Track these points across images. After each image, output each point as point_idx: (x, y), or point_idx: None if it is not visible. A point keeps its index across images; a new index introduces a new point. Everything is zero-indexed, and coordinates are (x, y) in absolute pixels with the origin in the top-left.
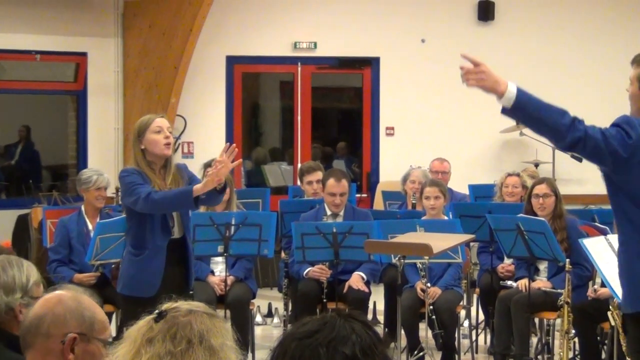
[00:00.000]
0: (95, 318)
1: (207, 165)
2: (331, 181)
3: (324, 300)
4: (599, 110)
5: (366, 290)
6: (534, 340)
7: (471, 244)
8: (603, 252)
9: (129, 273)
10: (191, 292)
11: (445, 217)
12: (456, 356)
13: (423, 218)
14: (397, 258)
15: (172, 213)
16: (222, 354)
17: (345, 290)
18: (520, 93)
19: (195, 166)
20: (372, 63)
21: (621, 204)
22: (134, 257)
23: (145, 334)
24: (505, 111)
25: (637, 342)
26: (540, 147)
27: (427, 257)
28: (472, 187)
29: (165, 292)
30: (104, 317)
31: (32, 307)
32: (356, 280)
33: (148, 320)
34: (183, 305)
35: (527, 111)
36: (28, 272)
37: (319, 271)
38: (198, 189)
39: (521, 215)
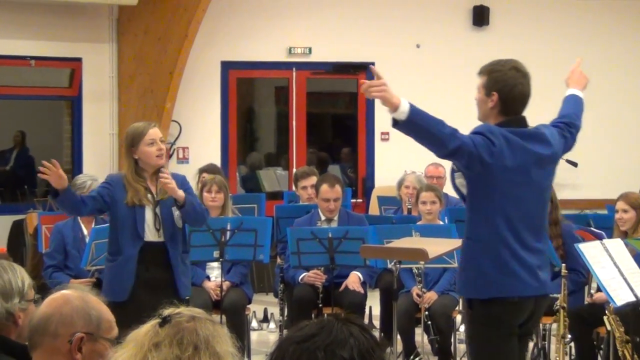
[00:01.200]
0: (102, 317)
1: (203, 170)
2: (325, 187)
3: (320, 305)
4: (594, 113)
5: (362, 291)
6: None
7: None
8: (599, 256)
9: (106, 279)
10: (187, 298)
11: (441, 222)
12: None
13: (419, 223)
14: (392, 263)
15: (156, 213)
16: None
17: (342, 289)
18: (413, 106)
19: (190, 171)
20: (367, 68)
21: (480, 203)
22: (109, 263)
23: (152, 338)
24: (396, 124)
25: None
26: None
27: (422, 262)
28: None
29: (152, 297)
30: (110, 316)
31: (39, 307)
32: (353, 280)
33: (153, 325)
34: (185, 310)
35: (417, 122)
36: (22, 275)
37: (314, 276)
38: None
39: None
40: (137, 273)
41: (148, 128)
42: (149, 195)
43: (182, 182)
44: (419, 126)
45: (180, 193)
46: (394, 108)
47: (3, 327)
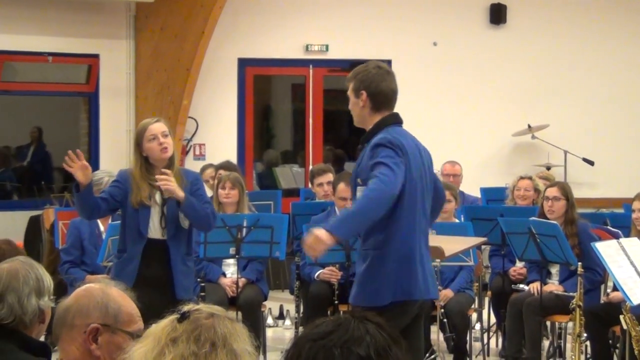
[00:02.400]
0: (121, 310)
1: (217, 167)
2: (342, 185)
3: (336, 303)
4: (611, 111)
5: None
6: (545, 343)
7: (483, 247)
8: (615, 255)
9: (111, 276)
10: (202, 295)
11: (457, 220)
12: (468, 359)
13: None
14: None
15: (164, 213)
16: (244, 359)
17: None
18: (340, 231)
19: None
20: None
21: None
22: (116, 260)
23: (169, 333)
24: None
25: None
26: (552, 150)
27: (438, 260)
28: (484, 190)
29: (147, 294)
30: (132, 309)
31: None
32: None
33: (171, 320)
34: (204, 307)
35: (357, 227)
36: (44, 272)
37: (329, 273)
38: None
39: (533, 218)
40: (139, 269)
41: (149, 124)
42: (157, 194)
43: (194, 180)
44: (363, 225)
45: (180, 193)
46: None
47: (31, 323)
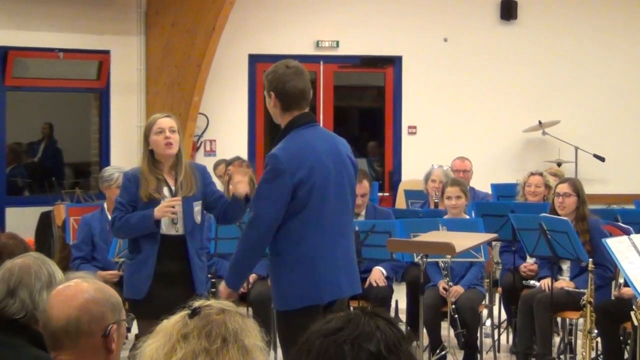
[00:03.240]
0: (118, 301)
1: (228, 163)
2: None
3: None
4: (622, 107)
5: (385, 284)
6: (556, 339)
7: (493, 243)
8: (626, 251)
9: (125, 276)
10: (213, 290)
11: (467, 216)
12: (478, 355)
13: (445, 217)
14: (419, 257)
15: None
16: (255, 355)
17: (366, 285)
18: (231, 283)
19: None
20: (394, 62)
21: (286, 222)
22: (129, 261)
23: (180, 329)
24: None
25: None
26: (563, 146)
27: (449, 256)
28: (495, 187)
29: (168, 291)
30: (119, 296)
31: (53, 307)
32: (377, 276)
33: (182, 316)
34: (214, 303)
35: (245, 273)
36: (56, 267)
37: None
38: (157, 214)
39: (544, 214)
40: (156, 268)
41: (158, 117)
42: (165, 189)
43: (203, 172)
44: (247, 270)
45: (244, 190)
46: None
47: (39, 318)
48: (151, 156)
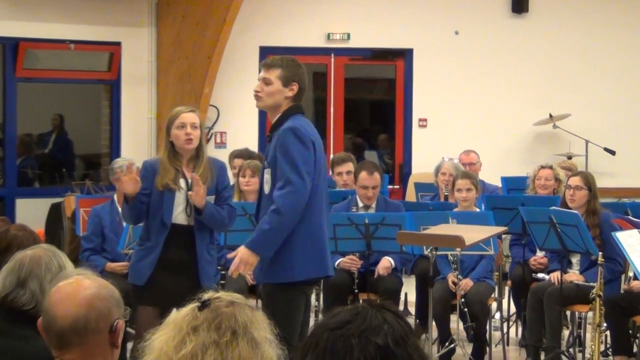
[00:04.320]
0: (120, 296)
1: (235, 155)
2: (363, 174)
3: (356, 291)
4: (633, 101)
5: (388, 272)
6: (565, 333)
7: (503, 236)
8: (636, 245)
9: (131, 262)
10: (222, 282)
11: (477, 209)
12: (487, 348)
13: (455, 210)
14: (429, 250)
15: (190, 202)
16: (264, 348)
17: (376, 275)
18: (263, 250)
19: (227, 156)
20: (405, 54)
21: None
22: (138, 247)
23: (190, 322)
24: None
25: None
26: (573, 139)
27: (459, 249)
28: (505, 180)
29: (172, 279)
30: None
31: (56, 306)
32: (384, 265)
33: (192, 309)
34: (224, 295)
35: (277, 243)
36: (66, 259)
37: (349, 262)
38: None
39: (554, 207)
40: (162, 254)
41: (182, 112)
42: (182, 180)
43: (220, 169)
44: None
45: (201, 203)
46: None
47: None
48: (172, 147)
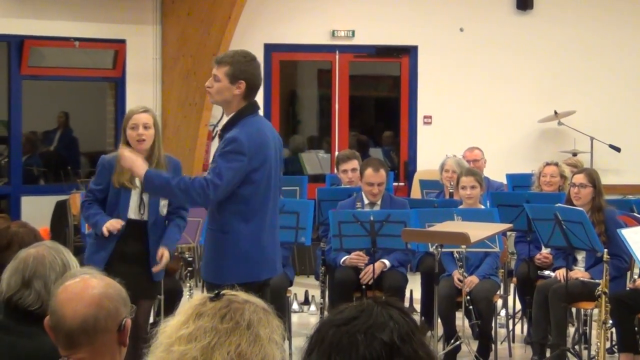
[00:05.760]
0: (126, 294)
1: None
2: (369, 171)
3: (363, 287)
4: (638, 98)
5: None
6: (571, 330)
7: (508, 233)
8: None
9: (86, 253)
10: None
11: (483, 207)
12: (493, 346)
13: (460, 207)
14: (434, 247)
15: (142, 198)
16: (267, 346)
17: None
18: (149, 184)
19: None
20: (410, 52)
21: (237, 203)
22: (92, 240)
23: (197, 308)
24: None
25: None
26: (578, 136)
27: (464, 246)
28: (510, 177)
29: (126, 268)
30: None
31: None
32: (375, 268)
33: (203, 297)
34: (242, 294)
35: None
36: (71, 256)
37: (356, 258)
38: (104, 229)
39: (559, 205)
40: (116, 246)
41: (135, 112)
42: (137, 178)
43: (176, 167)
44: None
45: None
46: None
47: None
48: (128, 147)
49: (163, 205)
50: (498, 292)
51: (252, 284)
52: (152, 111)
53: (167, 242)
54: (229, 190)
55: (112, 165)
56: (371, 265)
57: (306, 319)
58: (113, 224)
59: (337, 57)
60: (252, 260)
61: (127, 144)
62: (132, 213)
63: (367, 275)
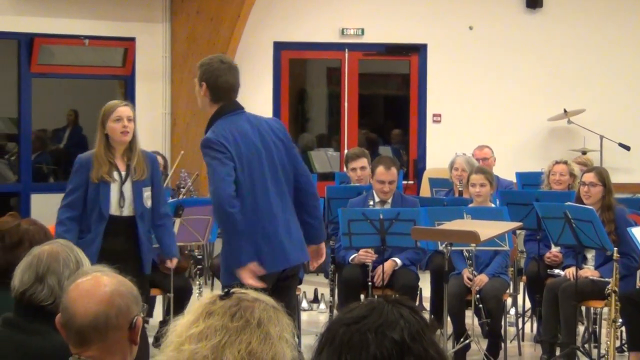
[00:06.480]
0: (138, 292)
1: None
2: (380, 169)
3: (370, 284)
4: None
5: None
6: (580, 328)
7: (518, 231)
8: None
9: None
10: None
11: (493, 205)
12: (502, 344)
13: (470, 205)
14: (444, 245)
15: (122, 191)
16: (278, 344)
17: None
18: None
19: None
20: (419, 50)
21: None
22: (79, 240)
23: (207, 306)
24: None
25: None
26: (588, 135)
27: (474, 245)
28: (520, 175)
29: (115, 265)
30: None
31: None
32: (387, 266)
33: (213, 296)
34: (251, 292)
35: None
36: (83, 255)
37: (364, 254)
38: None
39: (569, 203)
40: (103, 245)
41: (118, 105)
42: (115, 172)
43: (152, 161)
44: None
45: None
46: None
47: None
48: (106, 141)
49: (147, 197)
50: (508, 291)
51: (266, 277)
52: (132, 105)
53: (170, 252)
54: (230, 181)
55: (90, 162)
56: (381, 266)
57: (315, 317)
58: None
59: (346, 55)
60: (254, 255)
61: (106, 137)
62: (113, 209)
63: (378, 276)
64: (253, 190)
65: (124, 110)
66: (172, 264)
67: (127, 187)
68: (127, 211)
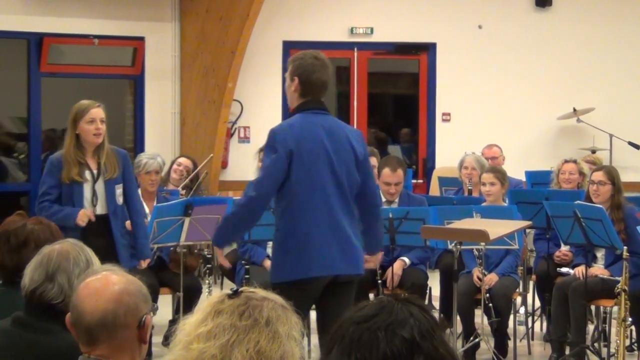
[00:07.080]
0: (147, 291)
1: (262, 149)
2: (386, 170)
3: (379, 281)
4: None
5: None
6: (590, 327)
7: (528, 230)
8: None
9: None
10: (247, 277)
11: (505, 204)
12: (512, 343)
13: (483, 204)
14: (453, 244)
15: (95, 190)
16: (286, 342)
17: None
18: (216, 240)
19: (251, 151)
20: (428, 49)
21: (283, 199)
22: None
23: (215, 305)
24: None
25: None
26: (597, 134)
27: (483, 244)
28: (529, 174)
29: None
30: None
31: (85, 301)
32: (396, 268)
33: (222, 295)
34: (260, 291)
35: (232, 233)
36: (93, 254)
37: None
38: (78, 220)
39: (578, 202)
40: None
41: (91, 107)
42: (87, 172)
43: (123, 157)
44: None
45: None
46: None
47: None
48: (76, 141)
49: (119, 194)
50: (517, 290)
51: (303, 281)
52: (103, 106)
53: (143, 253)
54: (271, 185)
55: (61, 162)
56: (391, 268)
57: None
58: (87, 213)
59: (355, 54)
60: (297, 257)
61: (77, 138)
62: (87, 207)
63: (390, 279)
64: (309, 189)
65: (97, 112)
66: (144, 264)
67: (100, 186)
68: (100, 209)
